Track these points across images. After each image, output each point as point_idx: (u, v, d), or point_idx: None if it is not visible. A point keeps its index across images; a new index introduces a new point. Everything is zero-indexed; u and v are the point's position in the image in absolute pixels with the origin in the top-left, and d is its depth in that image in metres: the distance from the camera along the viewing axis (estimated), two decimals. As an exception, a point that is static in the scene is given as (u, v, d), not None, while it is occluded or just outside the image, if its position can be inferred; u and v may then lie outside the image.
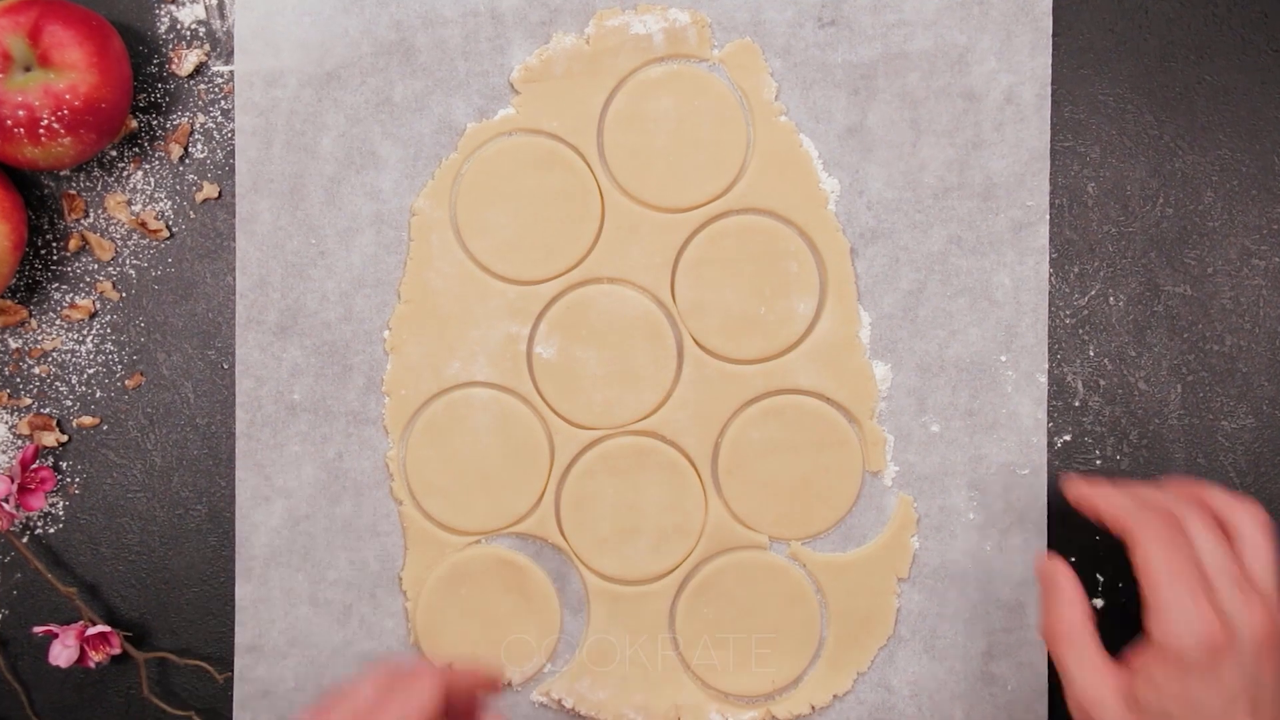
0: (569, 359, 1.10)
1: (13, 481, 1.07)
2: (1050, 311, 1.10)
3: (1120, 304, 1.11)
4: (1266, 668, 0.89)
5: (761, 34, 1.09)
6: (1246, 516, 0.94)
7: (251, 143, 1.09)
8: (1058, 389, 1.10)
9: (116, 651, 1.08)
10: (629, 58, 1.09)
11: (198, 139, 1.10)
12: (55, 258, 1.10)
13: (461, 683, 0.88)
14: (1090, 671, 0.93)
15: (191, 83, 1.10)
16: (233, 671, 1.10)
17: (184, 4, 1.10)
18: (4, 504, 1.07)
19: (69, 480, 1.11)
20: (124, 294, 1.10)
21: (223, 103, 1.10)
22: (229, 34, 1.10)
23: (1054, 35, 1.09)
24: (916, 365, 1.10)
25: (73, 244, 1.10)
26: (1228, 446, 1.11)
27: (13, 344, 1.10)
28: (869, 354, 1.10)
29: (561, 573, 1.11)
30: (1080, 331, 1.11)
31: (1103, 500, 0.97)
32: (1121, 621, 1.10)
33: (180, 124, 1.10)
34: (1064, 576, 0.97)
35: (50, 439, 1.10)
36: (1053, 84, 1.10)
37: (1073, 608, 0.96)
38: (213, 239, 1.11)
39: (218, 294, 1.11)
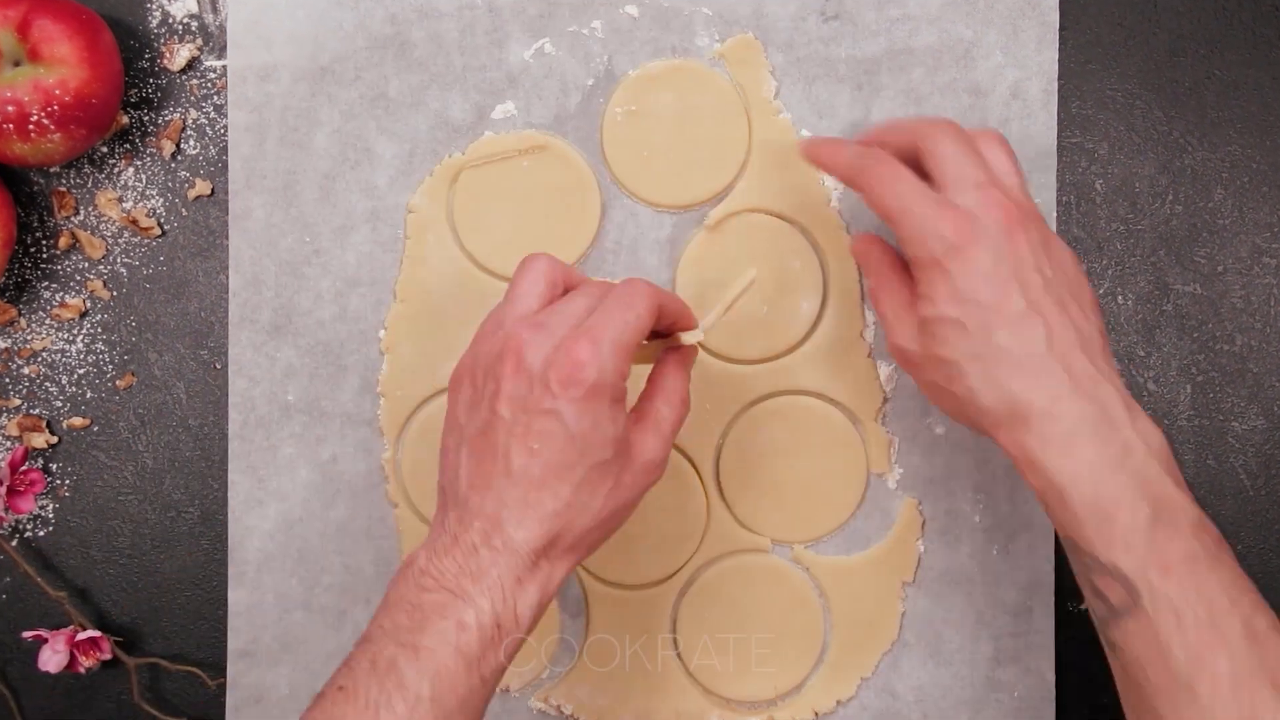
0: (568, 359, 1.09)
1: (1, 484, 1.07)
2: (1058, 311, 1.10)
3: (1129, 303, 1.11)
4: (1020, 244, 0.91)
5: (764, 28, 1.09)
6: (986, 136, 0.97)
7: (244, 139, 1.09)
8: (1065, 390, 1.10)
9: (107, 657, 1.08)
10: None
11: (190, 135, 1.10)
12: (45, 256, 1.10)
13: (670, 306, 0.93)
14: (900, 314, 0.96)
15: (183, 78, 1.10)
16: (225, 677, 1.10)
17: (176, -2, 1.10)
18: (-7, 507, 1.07)
19: (59, 482, 1.11)
20: (115, 293, 1.10)
21: (215, 98, 1.10)
22: (221, 28, 1.10)
23: (1061, 29, 1.09)
24: (921, 365, 1.10)
25: (63, 242, 1.10)
26: (1238, 448, 1.11)
27: (1, 344, 1.10)
28: (873, 354, 1.10)
29: (560, 577, 1.11)
30: (1088, 331, 1.11)
31: (828, 151, 1.00)
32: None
33: (172, 120, 1.10)
34: (875, 247, 1.00)
35: (40, 440, 1.10)
36: (1060, 79, 1.10)
37: (884, 266, 0.99)
38: (205, 237, 1.10)
39: (210, 293, 1.11)
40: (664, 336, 0.96)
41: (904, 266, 0.97)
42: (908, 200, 0.92)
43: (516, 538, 0.86)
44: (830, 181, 1.09)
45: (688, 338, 0.96)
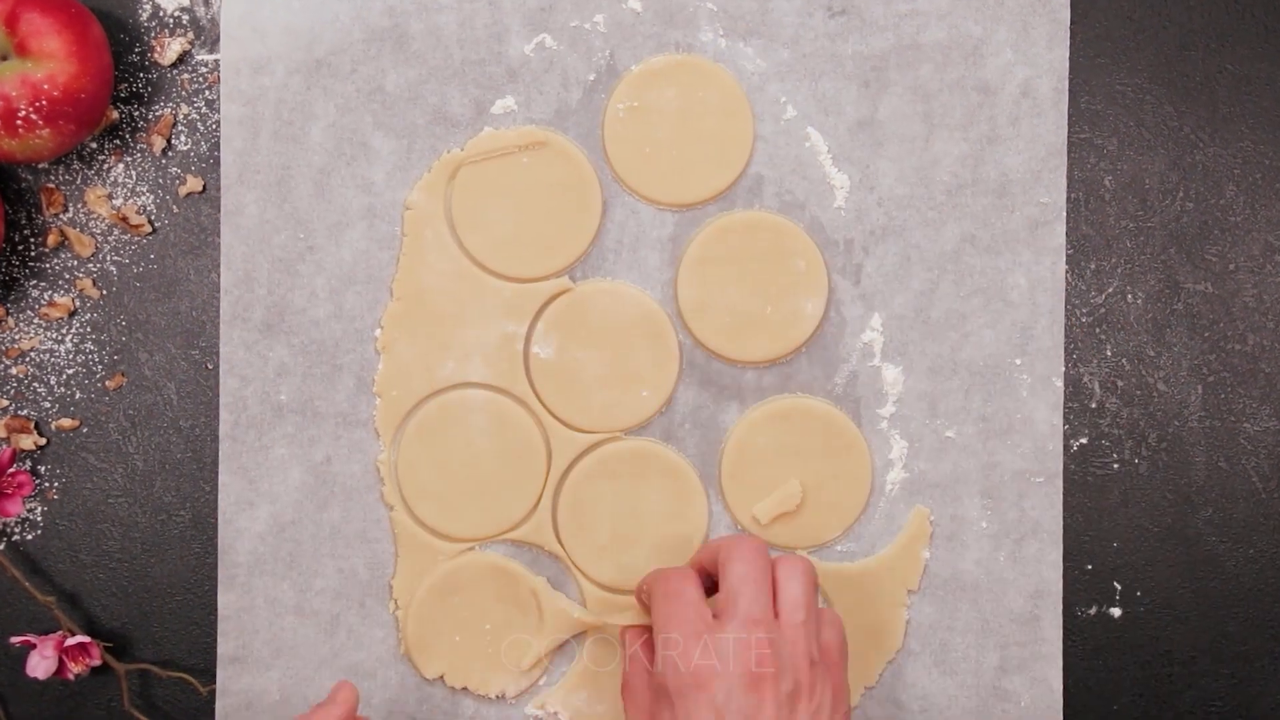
0: (567, 359, 1.09)
1: (-12, 486, 1.07)
2: (1066, 309, 1.10)
3: (1139, 302, 1.11)
4: (763, 696, 0.92)
5: (770, 23, 1.08)
6: (789, 562, 0.98)
7: (237, 133, 1.08)
8: (1074, 390, 1.10)
9: (96, 663, 1.08)
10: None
11: (181, 130, 1.10)
12: (33, 254, 1.10)
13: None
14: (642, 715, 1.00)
15: (175, 72, 1.10)
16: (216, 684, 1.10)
17: (167, -11, 1.10)
18: (-21, 509, 1.07)
19: (47, 485, 1.10)
20: (104, 291, 1.10)
21: (207, 92, 1.10)
22: (213, 20, 1.09)
23: (1070, 23, 1.09)
24: (928, 368, 1.09)
25: (51, 240, 1.09)
26: (1250, 450, 1.11)
27: (-12, 342, 1.10)
28: (879, 356, 1.09)
29: (558, 581, 1.10)
30: (1097, 330, 1.11)
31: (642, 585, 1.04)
32: (1140, 629, 1.10)
33: (163, 115, 1.09)
34: (638, 644, 1.03)
35: (28, 442, 1.09)
36: (1069, 74, 1.09)
37: (641, 671, 1.01)
38: (197, 234, 1.10)
39: (202, 291, 1.10)
40: None
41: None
42: (672, 621, 0.95)
43: None
44: (837, 180, 1.09)
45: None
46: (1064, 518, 1.10)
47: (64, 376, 1.10)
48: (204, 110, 1.10)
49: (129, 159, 1.10)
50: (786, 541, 1.10)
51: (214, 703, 1.10)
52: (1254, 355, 1.11)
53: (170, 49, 1.09)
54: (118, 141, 1.10)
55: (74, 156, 1.10)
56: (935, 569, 1.10)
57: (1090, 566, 1.11)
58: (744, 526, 1.10)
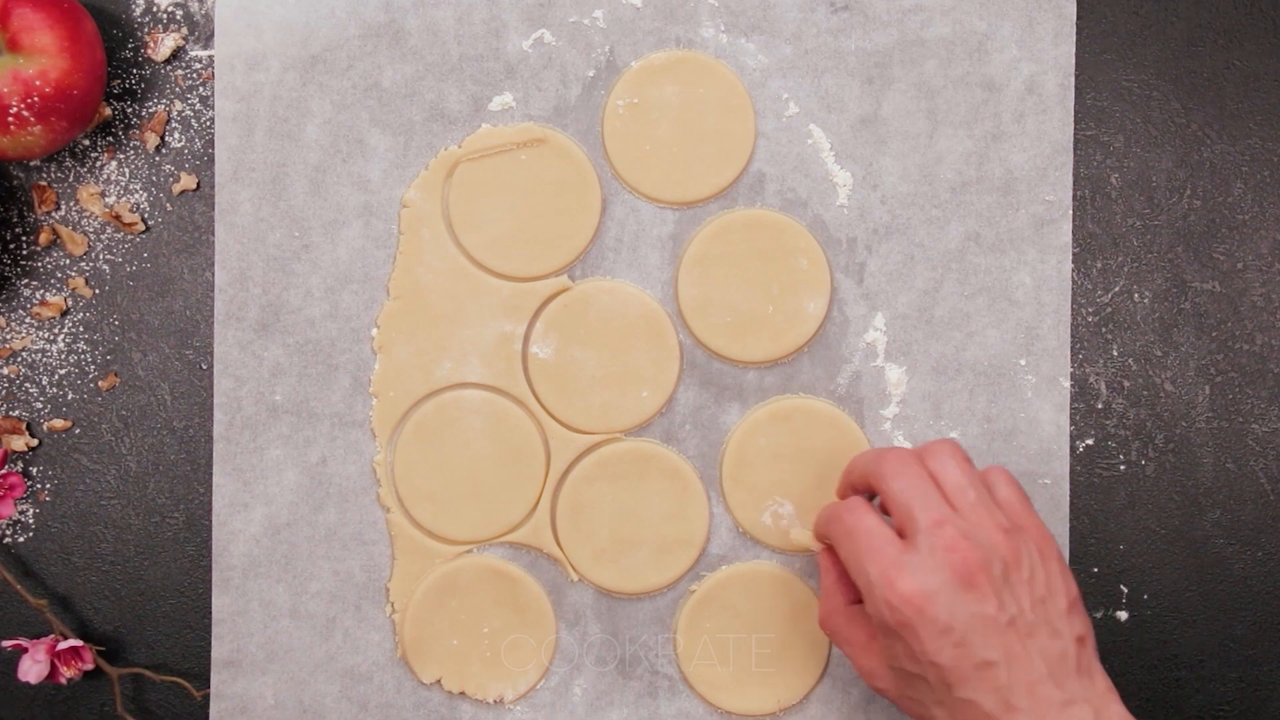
0: (566, 359, 1.09)
1: (-20, 488, 1.07)
2: (1071, 308, 1.10)
3: (1145, 301, 1.11)
4: (980, 588, 0.92)
5: (771, 18, 1.09)
6: (936, 450, 0.98)
7: (231, 130, 1.09)
8: (1079, 390, 1.10)
9: (89, 667, 1.08)
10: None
11: (175, 127, 1.10)
12: (25, 252, 1.10)
13: None
14: (867, 648, 0.99)
15: (168, 68, 1.10)
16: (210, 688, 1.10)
17: (160, -16, 1.10)
18: (-30, 511, 1.07)
19: (39, 486, 1.10)
20: (97, 290, 1.10)
21: (201, 89, 1.10)
22: (208, 16, 1.09)
23: (1076, 19, 1.09)
24: (932, 368, 1.10)
25: (43, 238, 1.09)
26: (1258, 451, 1.11)
27: (-21, 342, 1.10)
28: (882, 356, 1.10)
29: (557, 585, 1.10)
30: (1103, 330, 1.11)
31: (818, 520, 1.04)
32: (1147, 633, 1.10)
33: (156, 111, 1.10)
34: (831, 570, 1.03)
35: (19, 443, 1.09)
36: (1074, 70, 1.09)
37: (836, 594, 1.02)
38: (190, 232, 1.10)
39: (196, 290, 1.10)
40: None
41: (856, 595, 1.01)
42: (864, 559, 0.94)
43: None
44: (840, 178, 1.09)
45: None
46: (1069, 520, 1.10)
47: (56, 377, 1.10)
48: (198, 107, 1.10)
49: (122, 156, 1.10)
50: (786, 543, 1.10)
51: (208, 707, 1.10)
52: (1262, 355, 1.11)
53: (164, 45, 1.09)
54: (110, 138, 1.10)
55: (66, 154, 1.10)
56: (939, 572, 1.10)
57: (1096, 569, 1.11)
58: (745, 529, 1.10)
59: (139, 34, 1.09)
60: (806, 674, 1.10)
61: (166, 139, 1.10)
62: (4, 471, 1.08)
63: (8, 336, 1.09)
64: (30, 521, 1.11)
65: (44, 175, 1.10)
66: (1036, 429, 1.09)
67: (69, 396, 1.10)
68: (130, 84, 1.10)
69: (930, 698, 0.93)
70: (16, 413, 1.10)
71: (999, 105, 1.09)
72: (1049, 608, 0.93)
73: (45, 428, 1.10)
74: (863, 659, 0.99)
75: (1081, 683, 0.92)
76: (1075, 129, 1.10)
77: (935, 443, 0.98)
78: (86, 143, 1.10)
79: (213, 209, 1.09)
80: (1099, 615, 1.11)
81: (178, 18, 1.10)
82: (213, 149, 1.09)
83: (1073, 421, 1.10)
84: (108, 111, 1.09)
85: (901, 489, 0.95)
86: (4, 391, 1.10)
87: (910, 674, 0.94)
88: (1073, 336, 1.10)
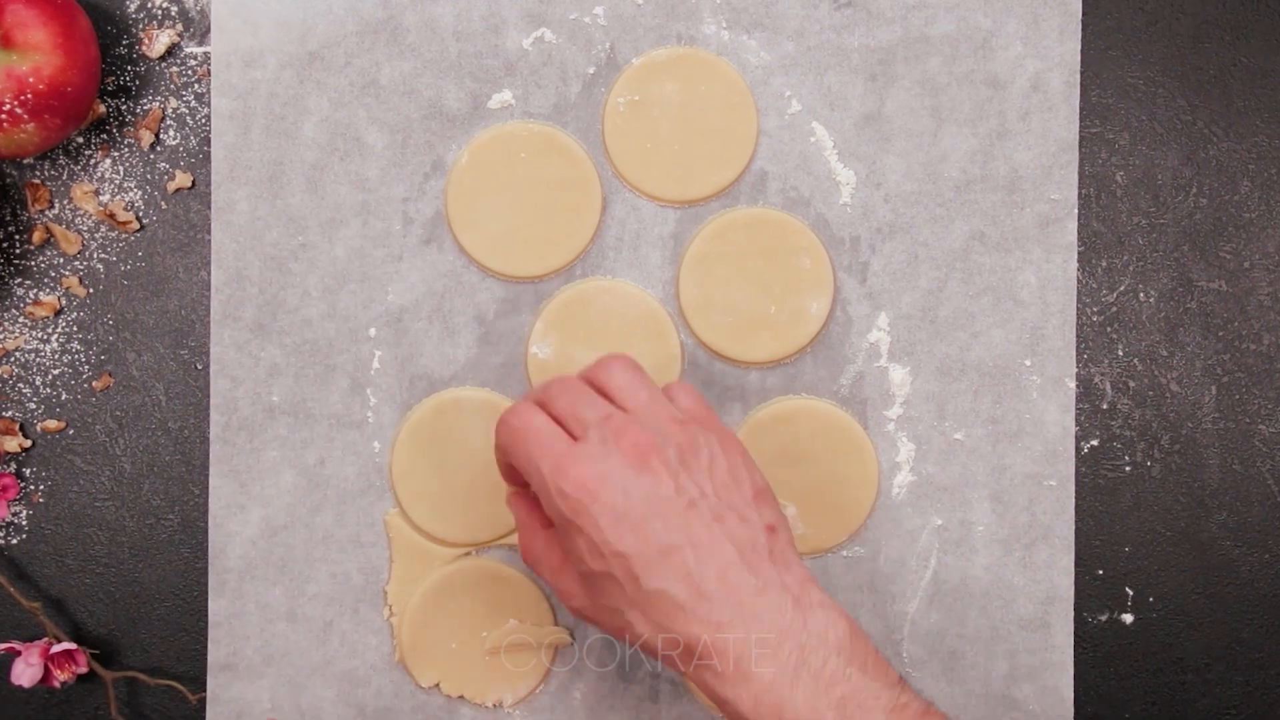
0: (566, 360, 1.09)
1: (-28, 490, 1.07)
2: (1076, 308, 1.10)
3: (1151, 300, 1.11)
4: (656, 472, 0.90)
5: (774, 15, 1.08)
6: (602, 362, 0.96)
7: (228, 128, 1.08)
8: (1084, 390, 1.10)
9: (83, 670, 1.08)
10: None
11: (170, 125, 1.10)
12: (18, 251, 1.10)
13: None
14: (558, 573, 0.95)
15: (163, 65, 1.10)
16: (206, 692, 1.10)
17: (155, -20, 1.10)
18: (-37, 513, 1.07)
19: (33, 488, 1.10)
20: (91, 290, 1.10)
21: (196, 86, 1.10)
22: (203, 12, 1.09)
23: (1081, 15, 1.09)
24: (936, 368, 1.09)
25: (36, 237, 1.09)
26: (1265, 452, 1.11)
27: (-28, 342, 1.10)
28: (886, 357, 1.09)
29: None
30: (1108, 330, 1.11)
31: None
32: (1152, 636, 1.10)
33: (151, 109, 1.09)
34: (522, 505, 0.99)
35: (12, 444, 1.09)
36: (1079, 67, 1.09)
37: (533, 522, 0.98)
38: (186, 231, 1.10)
39: (191, 289, 1.10)
40: None
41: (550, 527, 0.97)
42: (534, 455, 0.91)
43: None
44: (843, 176, 1.09)
45: None
46: (1075, 522, 1.10)
47: (50, 377, 1.10)
48: (193, 104, 1.10)
49: (116, 154, 1.09)
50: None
51: (204, 711, 1.10)
52: (1269, 355, 1.11)
53: (159, 41, 1.09)
54: (105, 136, 1.09)
55: (60, 151, 1.09)
56: (943, 575, 1.10)
57: (1101, 571, 1.11)
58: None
59: (133, 30, 1.09)
60: (809, 678, 1.10)
61: (161, 136, 1.10)
62: (-3, 473, 1.08)
63: (0, 336, 1.09)
64: (24, 523, 1.10)
65: (37, 173, 1.10)
66: (1041, 430, 1.09)
67: (63, 397, 1.10)
68: (125, 81, 1.09)
69: (622, 599, 0.90)
70: (10, 413, 1.10)
71: (1003, 103, 1.09)
72: (733, 494, 0.91)
73: (39, 428, 1.10)
74: (559, 580, 0.95)
75: (777, 569, 0.90)
76: (1080, 126, 1.10)
77: (600, 360, 0.96)
78: (80, 140, 1.09)
79: (208, 207, 1.09)
80: (1104, 618, 1.11)
81: (172, 14, 1.09)
82: (208, 147, 1.09)
83: (1078, 422, 1.10)
84: (102, 109, 1.09)
85: (569, 402, 0.93)
86: (-3, 392, 1.10)
87: (598, 575, 0.90)
88: (1078, 336, 1.10)
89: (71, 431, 1.10)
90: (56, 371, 1.10)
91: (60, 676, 1.07)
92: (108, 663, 1.11)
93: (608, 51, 1.09)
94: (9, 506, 1.10)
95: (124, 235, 1.10)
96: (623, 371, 0.95)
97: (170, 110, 1.10)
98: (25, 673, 1.07)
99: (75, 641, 1.09)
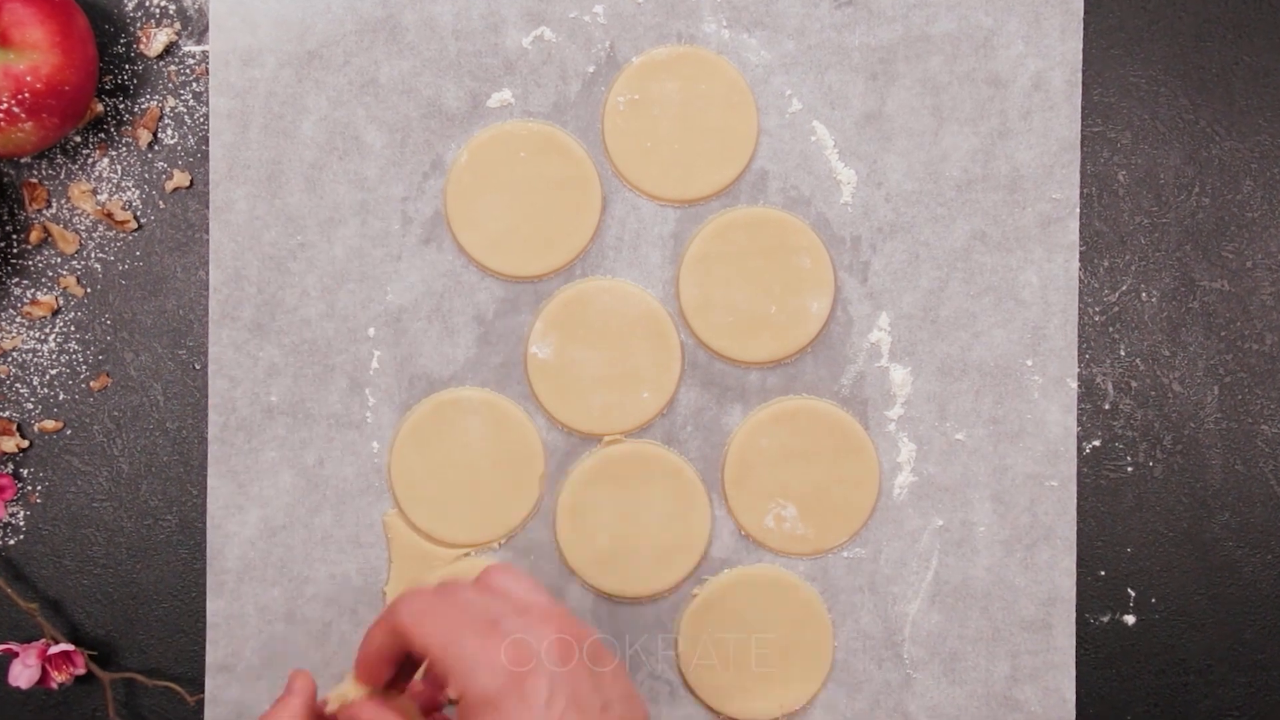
0: (566, 360, 1.09)
1: (-31, 490, 1.07)
2: (1078, 307, 1.10)
3: (1153, 300, 1.11)
4: (577, 667, 0.86)
5: (774, 14, 1.08)
6: (488, 571, 0.92)
7: (226, 127, 1.08)
8: (1086, 391, 1.10)
9: (81, 672, 1.08)
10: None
11: (168, 124, 1.10)
12: (15, 250, 1.09)
13: None
14: None
15: (161, 64, 1.10)
16: (204, 693, 1.09)
17: (153, -22, 1.10)
18: (-40, 514, 1.07)
19: (30, 488, 1.10)
20: (89, 289, 1.10)
21: (195, 85, 1.09)
22: (201, 11, 1.09)
23: (1083, 14, 1.09)
24: (937, 369, 1.09)
25: (34, 236, 1.09)
26: (1268, 452, 1.11)
27: (-31, 342, 1.10)
28: (887, 357, 1.09)
29: (557, 588, 1.10)
30: (1110, 329, 1.10)
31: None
32: (1155, 637, 1.10)
33: (149, 108, 1.09)
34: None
35: (10, 444, 1.09)
36: (1081, 65, 1.09)
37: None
38: (184, 230, 1.10)
39: (189, 289, 1.10)
40: None
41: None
42: (455, 632, 0.86)
43: None
44: (844, 176, 1.09)
45: None
46: (1077, 522, 1.10)
47: (47, 377, 1.10)
48: (191, 103, 1.09)
49: (114, 153, 1.09)
50: (792, 549, 1.10)
51: (202, 712, 1.10)
52: (1272, 355, 1.11)
53: (157, 40, 1.09)
54: (102, 135, 1.09)
55: (57, 150, 1.09)
56: (944, 575, 1.10)
57: (1103, 572, 1.11)
58: (748, 533, 1.10)
59: (131, 29, 1.09)
60: (810, 679, 1.10)
61: (159, 135, 1.09)
62: (-6, 473, 1.08)
63: (-2, 336, 1.10)
64: (21, 524, 1.10)
65: (35, 172, 1.09)
66: (1043, 430, 1.09)
67: (60, 397, 1.10)
68: (122, 80, 1.09)
69: None
70: (7, 413, 1.10)
71: (1005, 102, 1.09)
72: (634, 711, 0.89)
73: (36, 429, 1.10)
74: None
75: None
76: (1082, 125, 1.10)
77: (488, 567, 0.92)
78: (78, 139, 1.09)
79: (206, 207, 1.09)
80: (1105, 619, 1.10)
81: (170, 13, 1.09)
82: (206, 146, 1.09)
83: (1079, 422, 1.10)
84: (99, 108, 1.09)
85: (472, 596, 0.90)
86: (-6, 392, 1.10)
87: None
88: (1079, 336, 1.10)
89: (69, 432, 1.10)
90: (54, 371, 1.10)
91: (58, 678, 1.07)
92: (105, 664, 1.10)
93: (607, 50, 1.09)
94: (6, 507, 1.09)
95: (122, 235, 1.10)
96: (511, 577, 0.92)
97: (168, 109, 1.09)
98: (23, 674, 1.06)
99: (73, 643, 1.09)
